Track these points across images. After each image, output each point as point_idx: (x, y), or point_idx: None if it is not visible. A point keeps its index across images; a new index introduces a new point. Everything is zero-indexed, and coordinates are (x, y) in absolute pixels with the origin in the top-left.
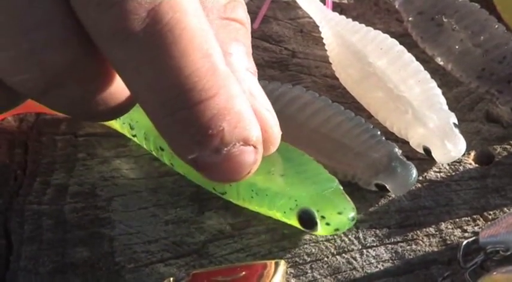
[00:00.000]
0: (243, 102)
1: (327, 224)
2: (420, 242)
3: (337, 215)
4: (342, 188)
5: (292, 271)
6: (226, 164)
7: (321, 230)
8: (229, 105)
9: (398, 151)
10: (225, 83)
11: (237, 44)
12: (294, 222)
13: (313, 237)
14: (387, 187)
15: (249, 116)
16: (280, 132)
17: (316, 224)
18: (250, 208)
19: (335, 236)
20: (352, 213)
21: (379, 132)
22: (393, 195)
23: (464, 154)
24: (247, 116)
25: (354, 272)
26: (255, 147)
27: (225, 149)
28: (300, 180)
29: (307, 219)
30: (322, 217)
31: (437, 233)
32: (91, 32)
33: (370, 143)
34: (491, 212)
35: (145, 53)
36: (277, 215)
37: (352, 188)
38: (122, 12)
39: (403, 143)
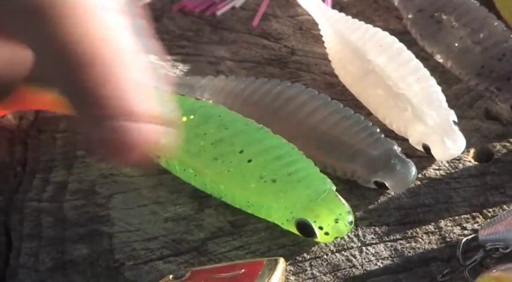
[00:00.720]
0: (129, 74)
1: (326, 233)
2: (419, 239)
3: (335, 224)
4: (334, 188)
5: (292, 268)
6: (114, 139)
7: (322, 239)
8: (115, 73)
9: (397, 149)
10: (109, 51)
11: None
12: (295, 230)
13: None
14: (386, 184)
15: (135, 89)
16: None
17: (315, 233)
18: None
19: None
20: (349, 218)
21: (378, 130)
22: (392, 193)
23: (463, 151)
24: (133, 88)
25: (353, 270)
26: (151, 123)
27: (111, 122)
28: (293, 185)
29: (306, 230)
30: (320, 228)
31: (436, 230)
32: None
33: (369, 141)
34: (490, 210)
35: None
36: (277, 223)
37: (351, 186)
38: None
39: (403, 141)
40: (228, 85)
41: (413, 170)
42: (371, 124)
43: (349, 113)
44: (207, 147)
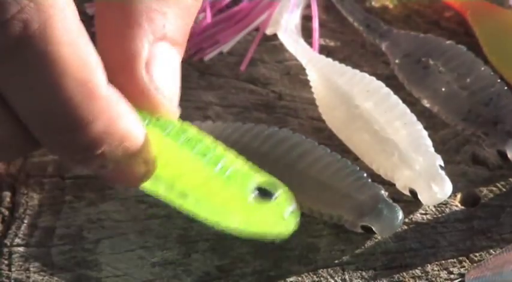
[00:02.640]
0: (127, 122)
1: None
2: None
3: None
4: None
5: None
6: (114, 176)
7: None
8: (111, 129)
9: (384, 193)
10: (104, 108)
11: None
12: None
13: (299, 279)
14: (373, 229)
15: (135, 133)
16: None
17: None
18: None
19: (321, 278)
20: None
21: (365, 174)
22: (379, 237)
23: (450, 196)
24: (133, 133)
25: None
26: (144, 162)
27: (110, 164)
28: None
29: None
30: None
31: (423, 274)
32: None
33: (356, 185)
34: (477, 254)
35: (25, 77)
36: None
37: (338, 230)
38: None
39: (390, 185)
40: (215, 130)
41: (400, 214)
42: (358, 169)
43: (336, 158)
44: None
